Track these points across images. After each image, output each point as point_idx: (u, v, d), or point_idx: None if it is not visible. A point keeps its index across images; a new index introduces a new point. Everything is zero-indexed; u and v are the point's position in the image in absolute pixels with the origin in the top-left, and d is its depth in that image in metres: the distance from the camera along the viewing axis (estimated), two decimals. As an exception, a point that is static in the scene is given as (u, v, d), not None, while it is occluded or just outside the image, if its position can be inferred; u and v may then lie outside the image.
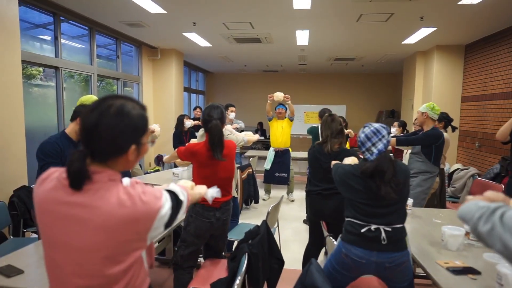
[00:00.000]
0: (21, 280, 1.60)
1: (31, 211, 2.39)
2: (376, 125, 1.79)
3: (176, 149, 2.29)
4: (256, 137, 3.35)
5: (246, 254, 1.90)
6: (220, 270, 2.21)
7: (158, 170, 5.83)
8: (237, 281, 1.72)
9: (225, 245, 2.43)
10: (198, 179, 2.17)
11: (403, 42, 6.23)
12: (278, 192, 5.74)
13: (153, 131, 3.20)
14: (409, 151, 3.38)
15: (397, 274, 1.71)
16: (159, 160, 6.91)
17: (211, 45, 6.73)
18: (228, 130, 3.32)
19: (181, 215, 1.07)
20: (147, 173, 5.79)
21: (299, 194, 5.62)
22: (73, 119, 2.27)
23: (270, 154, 5.23)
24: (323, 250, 2.82)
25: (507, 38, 5.06)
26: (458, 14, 4.51)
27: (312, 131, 4.61)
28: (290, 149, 5.31)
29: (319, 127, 2.82)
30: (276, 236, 2.47)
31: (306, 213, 2.81)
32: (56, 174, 0.95)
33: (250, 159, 5.42)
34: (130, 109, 0.95)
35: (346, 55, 7.78)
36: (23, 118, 3.56)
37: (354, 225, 1.75)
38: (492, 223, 0.86)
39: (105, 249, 0.90)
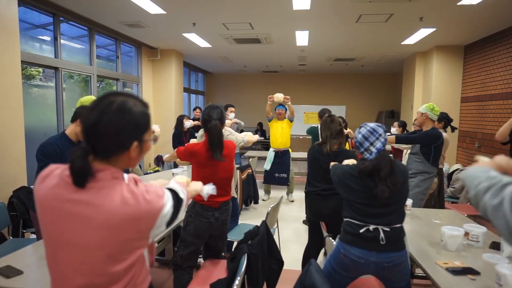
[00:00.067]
0: (20, 280, 1.60)
1: (30, 212, 2.39)
2: (372, 124, 1.80)
3: (176, 149, 2.29)
4: (256, 137, 3.35)
5: (246, 254, 1.90)
6: (219, 270, 2.21)
7: (157, 171, 5.83)
8: (237, 282, 1.72)
9: (224, 245, 2.43)
10: (197, 179, 2.17)
11: (402, 43, 6.24)
12: (277, 193, 5.73)
13: (153, 132, 3.20)
14: (409, 151, 3.38)
15: (395, 274, 1.71)
16: (158, 160, 6.90)
17: (210, 46, 6.73)
18: (228, 131, 3.33)
19: (182, 214, 1.07)
20: (147, 173, 5.79)
21: (299, 195, 5.63)
22: (73, 120, 2.27)
23: (270, 154, 5.23)
24: (322, 250, 2.82)
25: (507, 38, 5.06)
26: (458, 14, 4.51)
27: (312, 131, 4.61)
28: (290, 150, 5.31)
29: (319, 127, 2.83)
30: (275, 237, 2.47)
31: (306, 213, 2.81)
32: (58, 171, 0.95)
33: (250, 160, 5.42)
34: (132, 106, 0.95)
35: (346, 56, 7.78)
36: (23, 118, 3.56)
37: (352, 225, 1.75)
38: (500, 198, 0.80)
39: (108, 248, 0.90)
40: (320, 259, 2.87)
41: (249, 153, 7.02)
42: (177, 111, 7.27)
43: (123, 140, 0.93)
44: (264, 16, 4.71)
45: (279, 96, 4.82)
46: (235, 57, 8.12)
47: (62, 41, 4.66)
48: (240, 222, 3.40)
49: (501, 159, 0.92)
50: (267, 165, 5.20)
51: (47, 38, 4.61)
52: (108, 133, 0.91)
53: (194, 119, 5.59)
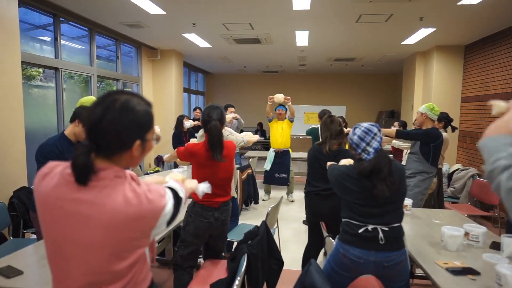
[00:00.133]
0: (20, 281, 1.60)
1: (31, 212, 2.39)
2: (365, 124, 1.79)
3: (176, 149, 2.29)
4: (256, 137, 3.35)
5: (246, 254, 1.90)
6: (219, 270, 2.21)
7: (158, 171, 5.83)
8: (237, 282, 1.72)
9: (224, 246, 2.43)
10: (197, 179, 2.14)
11: (402, 43, 6.23)
12: (278, 193, 5.73)
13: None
14: (408, 151, 3.38)
15: (395, 273, 1.71)
16: (158, 160, 6.89)
17: (210, 46, 6.74)
18: (228, 131, 3.33)
19: (181, 213, 1.07)
20: (147, 173, 5.80)
21: (299, 195, 5.62)
22: (72, 120, 2.27)
23: (270, 155, 5.23)
24: (322, 250, 2.82)
25: (507, 38, 5.06)
26: (458, 14, 4.51)
27: (313, 132, 4.61)
28: (290, 150, 5.31)
29: (319, 128, 2.83)
30: (275, 237, 2.48)
31: (306, 213, 2.81)
32: (58, 169, 0.94)
33: (250, 160, 5.42)
34: (135, 104, 0.95)
35: (346, 56, 7.78)
36: (23, 119, 3.56)
37: (351, 225, 1.75)
38: None
39: (110, 246, 0.90)
40: (320, 259, 2.87)
41: (249, 153, 7.02)
42: (177, 112, 7.27)
43: (125, 139, 0.93)
44: (264, 16, 4.71)
45: (279, 97, 4.82)
46: (235, 57, 8.12)
47: (62, 42, 4.67)
48: (240, 222, 3.40)
49: None
50: (267, 165, 5.20)
51: (48, 39, 4.61)
52: (111, 131, 0.91)
53: (194, 119, 5.59)
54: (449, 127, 3.76)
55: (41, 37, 4.70)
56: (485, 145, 0.85)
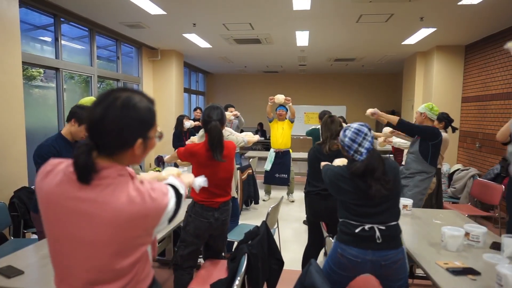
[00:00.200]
0: (21, 280, 1.60)
1: (31, 213, 2.40)
2: (355, 125, 1.79)
3: (176, 150, 2.30)
4: (256, 137, 3.35)
5: (246, 254, 1.90)
6: (220, 270, 2.21)
7: (158, 171, 5.83)
8: (237, 282, 1.73)
9: (224, 246, 2.43)
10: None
11: (403, 43, 6.23)
12: (278, 193, 5.74)
13: None
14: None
15: (393, 272, 1.71)
16: (159, 161, 6.90)
17: (211, 46, 6.74)
18: (228, 131, 3.33)
19: (181, 212, 1.08)
20: (148, 174, 5.79)
21: (299, 195, 5.62)
22: (68, 120, 2.27)
23: (271, 155, 5.24)
24: (322, 250, 2.82)
25: (507, 38, 5.05)
26: (458, 14, 4.51)
27: (313, 132, 4.61)
28: (291, 150, 5.31)
29: (320, 128, 2.83)
30: (276, 237, 2.47)
31: (306, 213, 2.82)
32: (61, 166, 0.94)
33: (250, 160, 5.42)
34: (137, 101, 0.94)
35: (346, 56, 7.78)
36: (24, 119, 3.57)
37: (348, 225, 1.75)
38: None
39: (114, 245, 0.90)
40: (320, 259, 2.87)
41: (250, 153, 7.02)
42: (178, 112, 7.28)
43: (127, 137, 0.92)
44: (264, 16, 4.72)
45: (280, 98, 4.83)
46: (236, 57, 8.12)
47: (63, 42, 4.67)
48: (240, 222, 3.40)
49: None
50: (267, 166, 5.20)
51: (48, 39, 4.62)
52: (112, 130, 0.90)
53: (194, 120, 5.60)
54: (450, 127, 3.75)
55: (41, 38, 4.70)
56: None
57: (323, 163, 2.07)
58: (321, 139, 2.69)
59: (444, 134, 3.34)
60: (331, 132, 2.56)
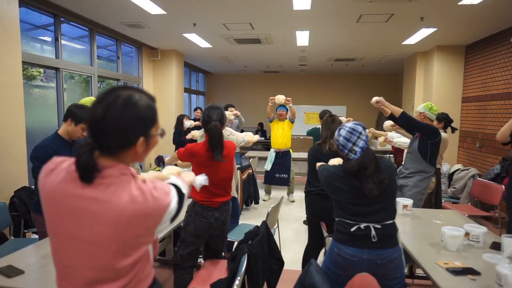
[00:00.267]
0: (21, 280, 1.61)
1: (32, 214, 2.40)
2: (350, 124, 1.80)
3: (176, 151, 2.30)
4: (256, 137, 3.35)
5: (246, 254, 1.90)
6: (220, 270, 2.21)
7: (158, 171, 5.83)
8: (237, 282, 1.73)
9: (224, 246, 2.44)
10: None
11: (403, 43, 6.23)
12: (278, 193, 5.74)
13: None
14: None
15: (389, 270, 1.71)
16: (159, 161, 6.91)
17: (211, 46, 6.74)
18: (228, 131, 3.33)
19: (183, 209, 1.08)
20: (148, 173, 5.79)
21: (300, 195, 5.62)
22: (65, 119, 2.27)
23: (271, 155, 5.24)
24: (322, 250, 2.82)
25: (508, 38, 5.05)
26: (458, 14, 4.51)
27: (314, 132, 4.61)
28: (291, 150, 5.31)
29: (320, 127, 2.83)
30: (276, 237, 2.48)
31: (306, 213, 2.82)
32: (64, 164, 0.94)
33: (251, 160, 5.43)
34: (138, 100, 0.94)
35: (347, 56, 7.78)
36: (24, 119, 3.57)
37: (344, 224, 1.75)
38: None
39: (115, 244, 0.90)
40: (320, 259, 2.87)
41: (250, 153, 7.02)
42: (178, 112, 7.28)
43: (129, 136, 0.92)
44: (264, 16, 4.72)
45: (280, 98, 4.83)
46: (236, 57, 8.12)
47: (63, 42, 4.67)
48: (240, 222, 3.40)
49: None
50: (267, 166, 5.21)
51: (48, 39, 4.62)
52: (114, 129, 0.90)
53: (195, 120, 5.59)
54: (449, 127, 3.75)
55: (41, 37, 4.70)
56: None
57: (318, 164, 2.07)
58: (321, 139, 2.69)
59: (443, 134, 3.33)
60: (331, 131, 2.55)
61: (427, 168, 2.98)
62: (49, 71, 4.53)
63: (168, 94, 7.33)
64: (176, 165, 2.60)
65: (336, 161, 1.98)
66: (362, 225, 1.70)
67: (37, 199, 2.29)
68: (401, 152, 4.75)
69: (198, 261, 2.36)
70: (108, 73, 5.90)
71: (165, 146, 6.88)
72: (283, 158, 5.17)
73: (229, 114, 4.27)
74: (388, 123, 3.74)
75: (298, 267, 2.91)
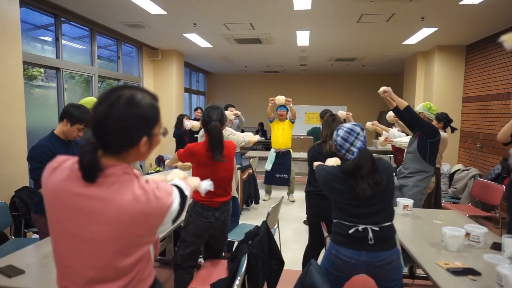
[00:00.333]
0: (22, 280, 1.61)
1: (32, 214, 2.40)
2: (348, 124, 1.79)
3: (176, 152, 2.30)
4: (257, 138, 3.35)
5: (246, 254, 1.90)
6: (220, 270, 2.21)
7: (159, 171, 5.84)
8: (237, 282, 1.73)
9: (224, 246, 2.44)
10: (198, 179, 2.17)
11: (404, 43, 6.23)
12: (278, 193, 5.74)
13: None
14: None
15: (386, 272, 1.71)
16: (160, 161, 6.91)
17: (211, 46, 6.74)
18: (229, 131, 3.33)
19: (185, 211, 1.08)
20: (148, 173, 5.80)
21: (300, 195, 5.62)
22: (61, 119, 2.27)
23: (271, 155, 5.24)
24: (323, 250, 2.81)
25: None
26: (459, 14, 4.50)
27: (314, 132, 4.61)
28: (291, 150, 5.31)
29: (321, 127, 2.82)
30: (276, 237, 2.47)
31: (306, 213, 2.81)
32: (67, 163, 0.94)
33: (251, 160, 5.43)
34: (140, 99, 0.94)
35: (347, 56, 7.77)
36: (24, 119, 3.57)
37: (341, 226, 1.75)
38: None
39: (117, 243, 0.90)
40: (321, 259, 2.87)
41: (250, 153, 7.02)
42: (178, 112, 7.28)
43: (132, 135, 0.92)
44: (264, 16, 4.71)
45: (280, 99, 4.84)
46: (236, 57, 8.12)
47: (64, 42, 4.68)
48: (240, 222, 3.40)
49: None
50: (268, 166, 5.21)
51: (49, 39, 4.62)
52: (117, 128, 0.90)
53: (195, 120, 5.59)
54: (449, 127, 3.75)
55: (42, 37, 4.71)
56: None
57: (316, 163, 2.07)
58: (320, 138, 2.68)
59: (443, 134, 3.33)
60: (332, 130, 2.54)
61: (426, 167, 2.98)
62: (50, 71, 4.54)
63: (168, 94, 7.33)
64: (176, 167, 2.61)
65: (333, 161, 1.97)
66: (360, 227, 1.70)
67: (37, 199, 2.29)
68: (401, 151, 4.75)
69: (198, 261, 2.36)
70: (109, 73, 5.91)
71: (166, 146, 6.89)
72: (283, 158, 5.17)
73: (230, 114, 4.28)
74: (391, 113, 3.75)
75: (299, 267, 2.91)
